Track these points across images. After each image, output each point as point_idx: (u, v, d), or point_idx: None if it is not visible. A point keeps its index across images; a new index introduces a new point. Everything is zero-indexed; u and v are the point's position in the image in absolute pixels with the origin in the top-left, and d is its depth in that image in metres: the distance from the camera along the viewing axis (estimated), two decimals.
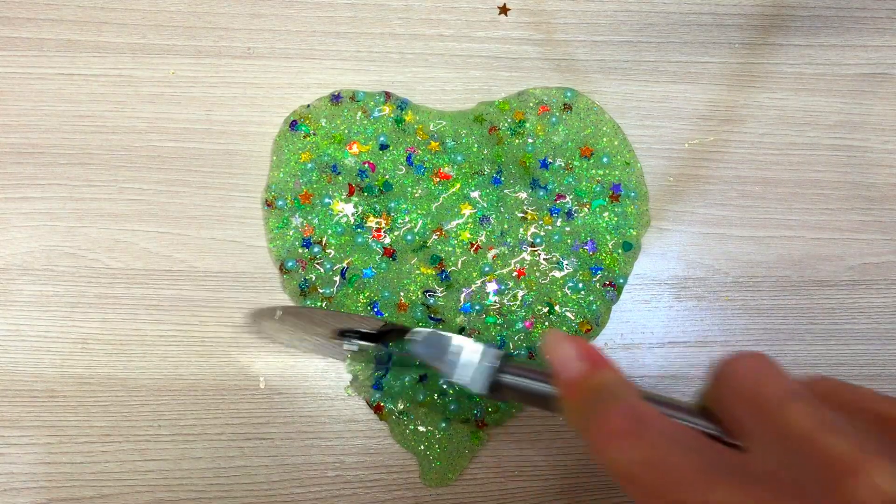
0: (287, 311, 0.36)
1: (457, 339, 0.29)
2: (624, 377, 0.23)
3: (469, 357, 0.28)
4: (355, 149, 0.39)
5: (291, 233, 0.38)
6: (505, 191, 0.39)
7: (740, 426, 0.21)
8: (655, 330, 0.39)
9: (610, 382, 0.23)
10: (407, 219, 0.38)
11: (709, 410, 0.22)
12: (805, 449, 0.19)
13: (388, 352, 0.35)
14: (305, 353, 0.38)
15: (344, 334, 0.35)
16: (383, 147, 0.39)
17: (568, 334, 0.24)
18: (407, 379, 0.37)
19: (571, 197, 0.39)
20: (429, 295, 0.38)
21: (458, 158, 0.39)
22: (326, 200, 0.38)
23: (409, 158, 0.39)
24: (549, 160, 0.39)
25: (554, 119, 0.40)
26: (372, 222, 0.38)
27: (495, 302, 0.38)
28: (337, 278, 0.38)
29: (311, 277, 0.38)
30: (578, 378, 0.23)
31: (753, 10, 0.42)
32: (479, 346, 0.28)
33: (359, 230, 0.38)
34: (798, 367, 0.39)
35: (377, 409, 0.37)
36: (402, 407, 0.37)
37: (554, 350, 0.24)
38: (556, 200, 0.39)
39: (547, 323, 0.38)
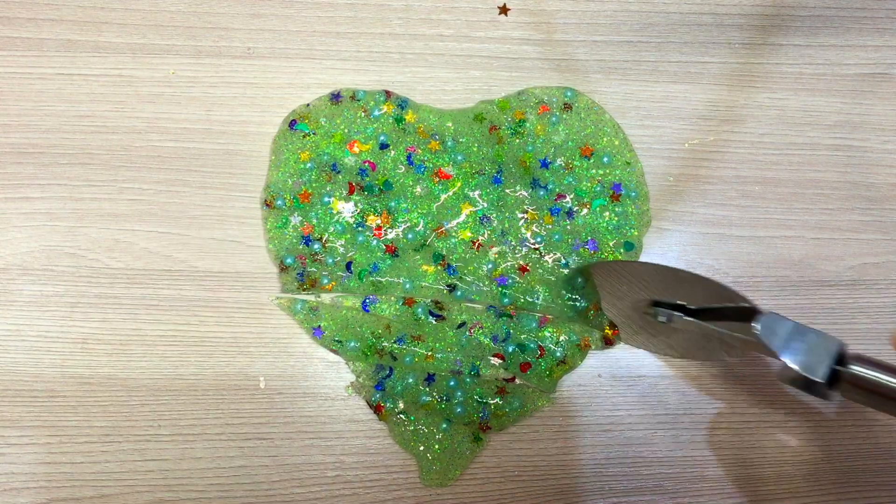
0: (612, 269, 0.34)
1: (798, 327, 0.28)
2: None
3: (811, 345, 0.27)
4: (356, 148, 0.39)
5: (290, 230, 0.38)
6: (505, 190, 0.39)
7: None
8: None
9: None
10: (407, 218, 0.38)
11: None
12: None
13: (720, 331, 0.32)
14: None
15: (659, 304, 0.33)
16: (383, 146, 0.39)
17: None
18: (411, 380, 0.37)
19: (572, 196, 0.39)
20: (433, 311, 0.38)
21: (459, 158, 0.39)
22: (326, 199, 0.38)
23: (409, 158, 0.39)
24: (550, 160, 0.39)
25: (554, 119, 0.40)
26: (372, 221, 0.38)
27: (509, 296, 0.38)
28: (342, 273, 0.38)
29: (313, 271, 0.38)
30: None
31: (753, 10, 0.42)
32: (822, 337, 0.27)
33: (359, 228, 0.38)
34: None
35: (377, 410, 0.37)
36: (402, 406, 0.37)
37: None
38: (556, 200, 0.39)
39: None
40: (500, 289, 0.38)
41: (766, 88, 0.42)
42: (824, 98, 0.42)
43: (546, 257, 0.38)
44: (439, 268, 0.38)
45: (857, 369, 0.26)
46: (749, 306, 0.31)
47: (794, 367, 0.28)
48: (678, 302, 0.33)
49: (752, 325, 0.29)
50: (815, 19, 0.42)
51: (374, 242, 0.38)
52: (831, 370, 0.27)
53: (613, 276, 0.35)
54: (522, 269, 0.38)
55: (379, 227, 0.38)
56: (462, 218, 0.39)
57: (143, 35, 0.40)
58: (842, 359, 0.27)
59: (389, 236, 0.38)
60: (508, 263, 0.38)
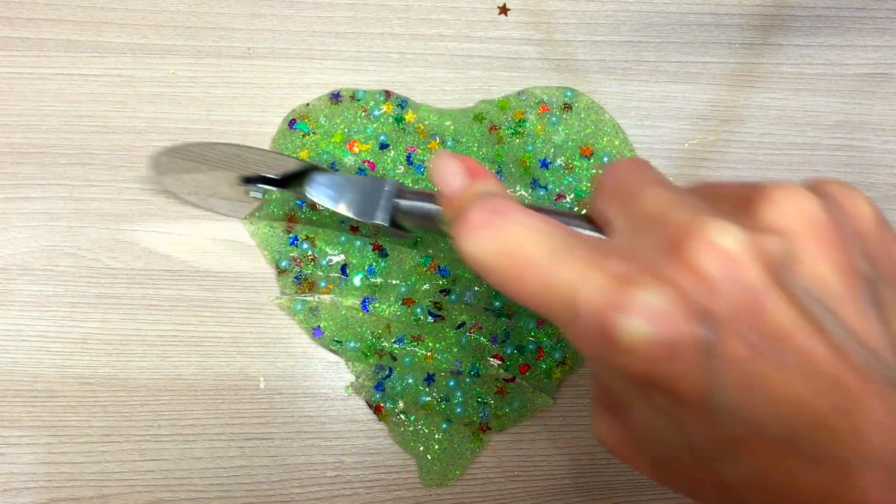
0: (183, 150, 0.35)
1: (353, 178, 0.30)
2: (500, 184, 0.23)
3: (367, 193, 0.29)
4: (355, 148, 0.39)
5: (275, 231, 0.38)
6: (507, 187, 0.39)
7: (608, 221, 0.22)
8: None
9: (483, 189, 0.23)
10: None
11: (586, 216, 0.23)
12: (654, 226, 0.19)
13: (290, 196, 0.34)
14: (210, 210, 0.37)
15: (248, 181, 0.34)
16: (383, 146, 0.39)
17: (454, 152, 0.25)
18: (410, 380, 0.37)
19: (572, 197, 0.39)
20: (432, 311, 0.38)
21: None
22: None
23: (408, 158, 0.39)
24: (550, 160, 0.39)
25: (554, 119, 0.40)
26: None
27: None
28: (337, 275, 0.38)
29: (310, 273, 0.38)
30: (458, 190, 0.23)
31: (753, 10, 0.42)
32: (374, 181, 0.29)
33: (342, 224, 0.38)
34: None
35: (377, 410, 0.37)
36: (402, 406, 0.37)
37: (438, 168, 0.24)
38: (556, 200, 0.39)
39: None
40: (492, 289, 0.38)
41: (766, 88, 0.42)
42: (824, 98, 0.42)
43: None
44: (432, 269, 0.38)
45: (405, 202, 0.28)
46: (308, 166, 0.33)
47: (350, 215, 0.29)
48: (265, 175, 0.34)
49: (306, 183, 0.31)
50: (815, 19, 0.42)
51: (359, 242, 0.38)
52: (391, 210, 0.28)
53: (204, 160, 0.36)
54: None
55: (355, 228, 0.38)
56: None
57: (143, 35, 0.40)
58: (395, 196, 0.28)
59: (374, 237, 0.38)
60: None
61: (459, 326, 0.37)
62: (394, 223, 0.29)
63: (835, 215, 0.20)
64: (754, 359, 0.18)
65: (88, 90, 0.40)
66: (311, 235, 0.38)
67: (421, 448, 0.37)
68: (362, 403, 0.37)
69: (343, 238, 0.38)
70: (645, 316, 0.17)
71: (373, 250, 0.38)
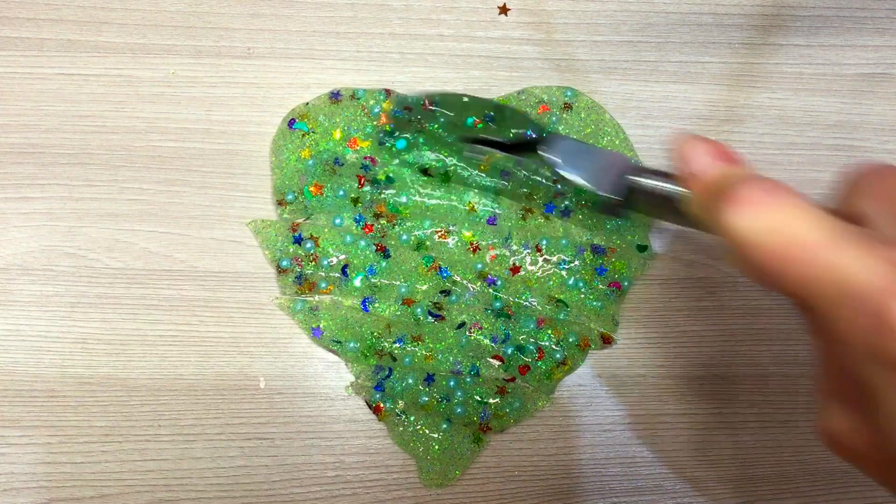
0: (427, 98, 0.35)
1: (589, 147, 0.30)
2: (755, 170, 0.23)
3: (602, 163, 0.28)
4: (356, 145, 0.39)
5: (280, 230, 0.38)
6: (504, 184, 0.39)
7: (867, 217, 0.22)
8: (655, 330, 0.39)
9: (744, 173, 0.22)
10: (406, 226, 0.38)
11: (838, 210, 0.23)
12: None
13: (517, 159, 0.34)
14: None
15: (470, 141, 0.35)
16: (382, 143, 0.39)
17: (700, 135, 0.24)
18: (410, 381, 0.37)
19: (571, 195, 0.39)
20: (432, 311, 0.37)
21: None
22: (341, 193, 0.38)
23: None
24: None
25: (554, 118, 0.40)
26: (371, 220, 0.38)
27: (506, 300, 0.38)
28: (338, 275, 0.38)
29: (310, 273, 0.38)
30: (713, 171, 0.23)
31: (753, 10, 0.42)
32: (610, 154, 0.28)
33: (345, 225, 0.38)
34: (798, 367, 0.39)
35: (376, 410, 0.37)
36: (401, 406, 0.37)
37: (687, 149, 0.24)
38: (554, 197, 0.39)
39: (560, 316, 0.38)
40: (491, 289, 0.38)
41: (766, 88, 0.42)
42: (824, 98, 0.42)
43: (548, 260, 0.38)
44: (433, 271, 0.38)
45: (645, 181, 0.27)
46: (541, 131, 0.33)
47: (585, 184, 0.29)
48: (491, 138, 0.35)
49: (540, 148, 0.30)
50: (815, 19, 0.42)
51: (363, 242, 0.38)
52: (625, 186, 0.28)
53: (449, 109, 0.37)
54: (514, 270, 0.38)
55: (370, 225, 0.38)
56: (464, 218, 0.38)
57: (143, 35, 0.40)
58: (630, 173, 0.28)
59: (380, 236, 0.38)
60: (501, 266, 0.38)
61: (459, 326, 0.37)
62: (625, 200, 0.28)
63: None
64: None
65: (88, 90, 0.40)
66: (316, 235, 0.38)
67: (421, 448, 0.37)
68: (362, 403, 0.37)
69: (348, 238, 0.38)
70: None
71: (376, 251, 0.38)
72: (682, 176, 0.24)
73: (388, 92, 0.40)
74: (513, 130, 0.35)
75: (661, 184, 0.27)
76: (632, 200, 0.28)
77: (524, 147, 0.34)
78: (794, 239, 0.20)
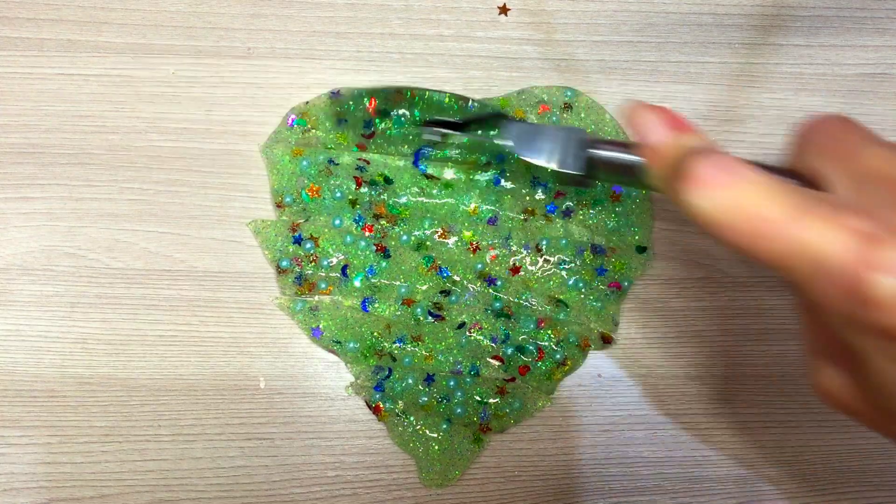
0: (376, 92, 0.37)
1: (543, 127, 0.30)
2: (707, 138, 0.23)
3: (558, 141, 0.29)
4: (363, 148, 0.39)
5: (279, 230, 0.38)
6: (506, 185, 0.39)
7: (823, 177, 0.22)
8: (656, 330, 0.39)
9: (697, 143, 0.23)
10: (406, 226, 0.38)
11: (793, 170, 0.23)
12: (884, 184, 0.20)
13: (469, 137, 0.36)
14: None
15: (428, 123, 0.36)
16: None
17: (648, 104, 0.25)
18: (410, 381, 0.37)
19: (572, 195, 0.39)
20: (432, 311, 0.37)
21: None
22: (339, 195, 0.38)
23: (415, 160, 0.39)
24: None
25: (555, 118, 0.40)
26: (371, 221, 0.38)
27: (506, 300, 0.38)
28: (337, 275, 0.38)
29: (310, 273, 0.38)
30: (666, 142, 0.23)
31: (753, 10, 0.42)
32: (563, 131, 0.29)
33: (345, 225, 0.38)
34: (798, 367, 0.39)
35: (376, 411, 0.37)
36: (401, 406, 0.37)
37: (637, 118, 0.24)
38: (555, 198, 0.39)
39: (560, 316, 0.38)
40: (491, 289, 0.38)
41: (766, 88, 0.42)
42: (824, 98, 0.42)
43: (541, 260, 0.38)
44: (433, 271, 0.38)
45: (603, 153, 0.28)
46: (498, 112, 0.33)
47: (549, 165, 0.30)
48: (446, 119, 0.36)
49: (499, 134, 0.32)
50: (815, 19, 0.42)
51: (363, 243, 0.38)
52: (584, 159, 0.29)
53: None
54: (514, 270, 0.38)
55: (371, 226, 0.38)
56: (464, 218, 0.38)
57: (143, 35, 0.40)
58: (588, 146, 0.29)
59: (379, 237, 0.38)
60: (501, 266, 0.38)
61: (459, 327, 0.37)
62: (587, 173, 0.29)
63: None
64: None
65: (88, 90, 0.40)
66: (316, 235, 0.38)
67: (420, 448, 0.37)
68: (362, 403, 0.37)
69: (348, 238, 0.38)
70: None
71: (376, 251, 0.38)
72: (639, 146, 0.24)
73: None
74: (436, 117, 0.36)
75: (620, 154, 0.27)
76: (594, 172, 0.29)
77: (478, 124, 0.35)
78: (758, 217, 0.20)
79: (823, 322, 0.22)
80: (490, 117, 0.32)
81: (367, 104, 0.37)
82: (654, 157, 0.24)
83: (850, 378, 0.22)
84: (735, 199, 0.20)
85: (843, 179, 0.21)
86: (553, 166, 0.30)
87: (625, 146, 0.27)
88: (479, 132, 0.34)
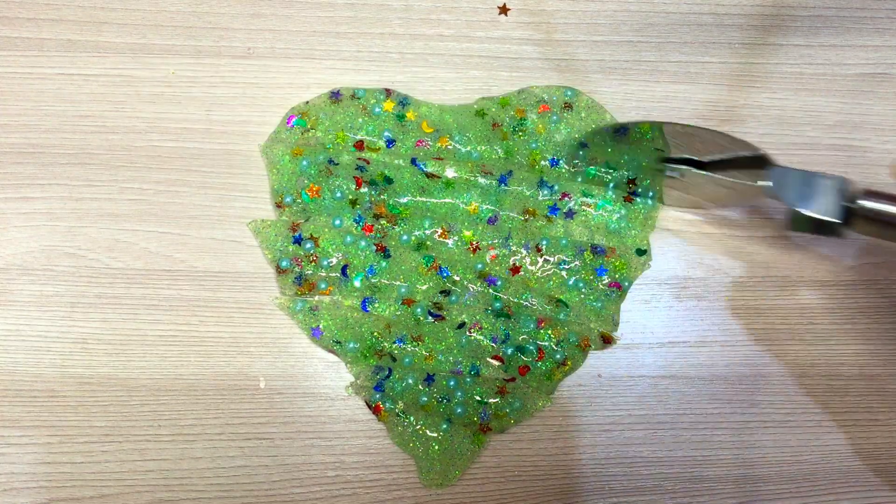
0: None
1: (805, 175, 0.30)
2: None
3: (821, 188, 0.29)
4: (364, 147, 0.39)
5: (280, 230, 0.38)
6: (510, 187, 0.39)
7: None
8: (656, 330, 0.39)
9: None
10: (406, 226, 0.38)
11: None
12: None
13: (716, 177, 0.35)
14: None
15: (670, 161, 0.36)
16: (390, 143, 0.39)
17: None
18: (410, 381, 0.37)
19: (577, 196, 0.39)
20: (432, 311, 0.37)
21: (474, 155, 0.39)
22: (339, 195, 0.38)
23: (414, 160, 0.39)
24: (558, 157, 0.39)
25: (555, 118, 0.40)
26: (371, 221, 0.38)
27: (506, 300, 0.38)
28: (337, 275, 0.38)
29: (310, 273, 0.38)
30: None
31: (753, 10, 0.42)
32: (825, 178, 0.29)
33: (345, 225, 0.38)
34: (798, 368, 0.39)
35: (376, 411, 0.37)
36: (401, 406, 0.37)
37: None
38: (561, 199, 0.39)
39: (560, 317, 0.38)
40: (491, 289, 0.38)
41: (766, 88, 0.42)
42: (824, 98, 0.42)
43: (541, 260, 0.38)
44: (433, 271, 0.38)
45: (868, 204, 0.28)
46: (758, 154, 0.33)
47: (811, 214, 0.30)
48: (686, 156, 0.36)
49: (763, 181, 0.31)
50: (815, 19, 0.42)
51: (363, 243, 0.38)
52: (844, 209, 0.29)
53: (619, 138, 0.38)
54: (514, 270, 0.38)
55: (371, 226, 0.38)
56: (464, 218, 0.38)
57: (143, 35, 0.40)
58: (852, 197, 0.29)
59: (379, 236, 0.38)
60: (502, 266, 0.38)
61: (459, 327, 0.37)
62: (845, 222, 0.29)
63: None
64: None
65: (88, 90, 0.40)
66: (316, 235, 0.38)
67: (420, 448, 0.37)
68: (362, 403, 0.37)
69: (348, 239, 0.38)
70: None
71: (376, 251, 0.38)
72: None
73: (388, 91, 0.40)
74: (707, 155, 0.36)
75: (890, 208, 0.28)
76: (854, 222, 0.29)
77: (722, 164, 0.35)
78: None
79: None
80: (737, 160, 0.32)
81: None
82: None
83: None
84: None
85: None
86: (816, 215, 0.29)
87: (894, 199, 0.27)
88: (730, 171, 0.34)
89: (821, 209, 0.30)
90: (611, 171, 0.38)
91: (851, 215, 0.28)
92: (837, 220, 0.29)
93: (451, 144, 0.39)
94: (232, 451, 0.37)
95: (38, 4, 0.40)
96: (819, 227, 0.30)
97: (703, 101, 0.41)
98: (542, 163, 0.39)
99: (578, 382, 0.38)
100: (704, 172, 0.35)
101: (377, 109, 0.39)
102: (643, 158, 0.37)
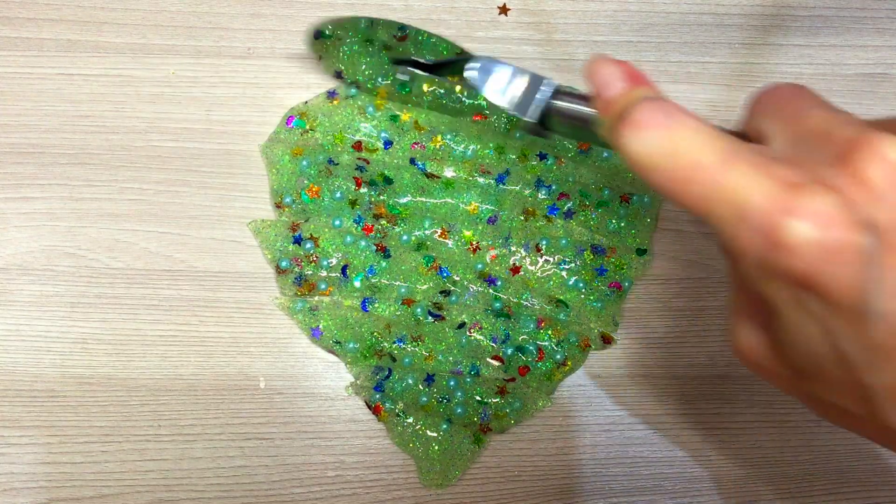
0: (347, 22, 0.37)
1: (507, 69, 0.30)
2: (660, 91, 0.23)
3: (519, 86, 0.29)
4: (362, 148, 0.39)
5: (279, 230, 0.38)
6: (508, 186, 0.39)
7: (765, 136, 0.22)
8: (656, 330, 0.39)
9: (646, 93, 0.23)
10: (406, 226, 0.38)
11: (740, 131, 0.24)
12: (819, 140, 0.20)
13: (432, 77, 0.36)
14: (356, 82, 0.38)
15: (400, 62, 0.36)
16: (387, 144, 0.39)
17: (612, 57, 0.24)
18: (410, 381, 0.37)
19: (575, 197, 0.39)
20: (432, 311, 0.37)
21: (468, 153, 0.39)
22: (338, 196, 0.38)
23: (413, 160, 0.39)
24: (546, 152, 0.39)
25: None
26: (371, 221, 0.38)
27: (506, 300, 0.38)
28: (337, 275, 0.38)
29: (310, 274, 0.38)
30: (618, 94, 0.23)
31: (753, 10, 0.42)
32: (529, 75, 0.29)
33: (346, 226, 0.38)
34: None
35: (376, 411, 0.37)
36: (401, 407, 0.37)
37: (595, 71, 0.24)
38: (559, 199, 0.39)
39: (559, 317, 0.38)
40: (491, 289, 0.38)
41: None
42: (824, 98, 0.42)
43: (542, 260, 0.38)
44: (433, 271, 0.38)
45: (559, 103, 0.28)
46: (468, 54, 0.33)
47: (505, 106, 0.29)
48: (414, 59, 0.36)
49: (466, 68, 0.31)
50: (815, 19, 0.42)
51: (363, 243, 0.38)
52: (541, 108, 0.28)
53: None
54: (514, 270, 0.38)
55: (372, 226, 0.38)
56: (464, 218, 0.38)
57: (143, 35, 0.40)
58: (550, 96, 0.28)
59: (379, 237, 0.38)
60: (502, 266, 0.38)
61: (459, 327, 0.37)
62: (542, 122, 0.28)
63: None
64: None
65: (88, 90, 0.40)
66: (316, 235, 0.38)
67: (420, 448, 0.37)
68: (362, 403, 0.37)
69: (348, 239, 0.38)
70: (812, 220, 0.18)
71: (376, 251, 0.38)
72: (594, 98, 0.24)
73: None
74: (428, 55, 0.36)
75: (576, 106, 0.27)
76: (551, 122, 0.28)
77: (447, 68, 0.35)
78: (690, 161, 0.20)
79: (743, 275, 0.22)
80: (461, 61, 0.32)
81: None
82: (605, 108, 0.23)
83: (765, 335, 0.22)
84: (669, 141, 0.20)
85: (782, 137, 0.22)
86: (508, 108, 0.29)
87: (585, 98, 0.27)
88: (448, 74, 0.34)
89: (514, 102, 0.29)
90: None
91: (548, 113, 0.28)
92: (530, 119, 0.29)
93: (444, 143, 0.39)
94: (232, 451, 0.37)
95: (38, 4, 0.40)
96: (527, 126, 0.29)
97: (704, 101, 0.41)
98: (532, 162, 0.39)
99: (578, 382, 0.38)
100: (430, 75, 0.36)
101: (370, 109, 0.39)
102: (376, 61, 0.38)
